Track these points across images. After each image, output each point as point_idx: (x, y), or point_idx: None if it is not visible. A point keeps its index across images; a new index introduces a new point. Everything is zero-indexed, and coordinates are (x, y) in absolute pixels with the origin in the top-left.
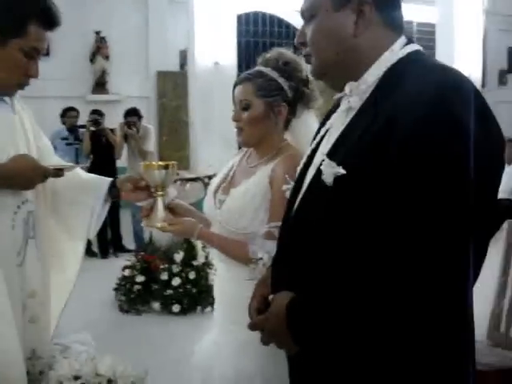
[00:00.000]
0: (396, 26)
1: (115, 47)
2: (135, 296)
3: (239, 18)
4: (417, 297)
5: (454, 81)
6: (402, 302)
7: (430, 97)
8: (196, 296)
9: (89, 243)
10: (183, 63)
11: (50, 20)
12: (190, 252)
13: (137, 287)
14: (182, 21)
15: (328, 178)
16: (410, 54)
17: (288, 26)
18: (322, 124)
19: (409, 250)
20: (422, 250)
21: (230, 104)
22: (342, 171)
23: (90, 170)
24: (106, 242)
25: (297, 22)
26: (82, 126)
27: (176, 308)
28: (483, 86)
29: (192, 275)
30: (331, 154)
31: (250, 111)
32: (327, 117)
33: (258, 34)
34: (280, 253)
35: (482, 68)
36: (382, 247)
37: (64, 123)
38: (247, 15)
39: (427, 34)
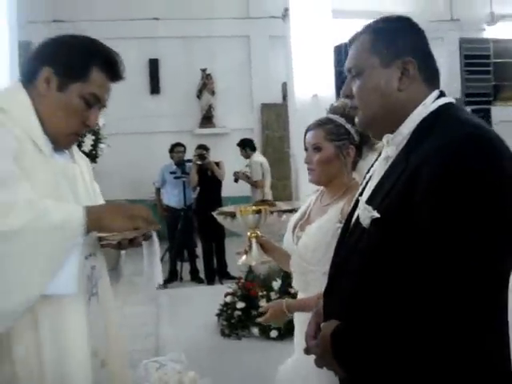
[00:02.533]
0: (432, 81)
1: (220, 83)
2: (236, 321)
3: (337, 48)
4: (451, 327)
5: (475, 134)
6: (439, 334)
7: (449, 149)
8: (293, 322)
9: (196, 271)
10: (285, 95)
11: (114, 69)
12: (287, 280)
13: (237, 313)
14: (283, 54)
15: (365, 220)
16: (440, 108)
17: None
18: (368, 171)
19: (442, 287)
20: (456, 286)
21: None
22: (376, 215)
23: (197, 201)
24: (212, 270)
25: None
26: (189, 161)
27: (274, 333)
28: None
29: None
30: (370, 200)
31: (320, 153)
32: (372, 164)
33: None
34: (329, 285)
35: None
36: (417, 281)
37: (172, 158)
38: (345, 46)
39: None
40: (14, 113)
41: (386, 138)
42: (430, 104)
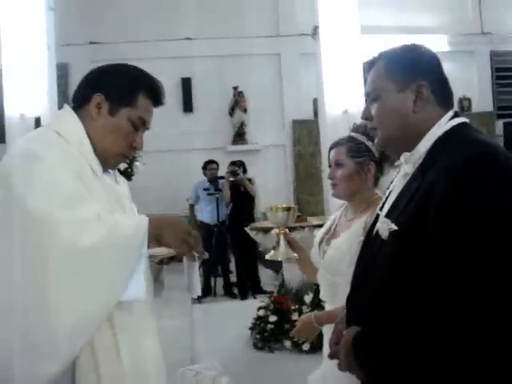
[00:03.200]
0: (446, 103)
1: (252, 100)
2: (268, 334)
3: (365, 65)
4: (464, 334)
5: (487, 153)
6: (454, 340)
7: (459, 167)
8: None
9: (230, 286)
10: (316, 111)
11: (158, 95)
12: (319, 293)
13: (270, 326)
14: (314, 70)
15: (383, 232)
16: (454, 128)
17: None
18: (388, 187)
19: (453, 296)
20: (468, 296)
21: None
22: (394, 227)
23: (230, 217)
24: (246, 285)
25: None
26: (222, 177)
27: (306, 346)
28: None
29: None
30: (388, 214)
31: (342, 170)
32: (392, 181)
33: None
34: (351, 293)
35: None
36: (431, 290)
37: (205, 175)
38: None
39: None
40: (68, 136)
41: (404, 156)
42: (444, 124)
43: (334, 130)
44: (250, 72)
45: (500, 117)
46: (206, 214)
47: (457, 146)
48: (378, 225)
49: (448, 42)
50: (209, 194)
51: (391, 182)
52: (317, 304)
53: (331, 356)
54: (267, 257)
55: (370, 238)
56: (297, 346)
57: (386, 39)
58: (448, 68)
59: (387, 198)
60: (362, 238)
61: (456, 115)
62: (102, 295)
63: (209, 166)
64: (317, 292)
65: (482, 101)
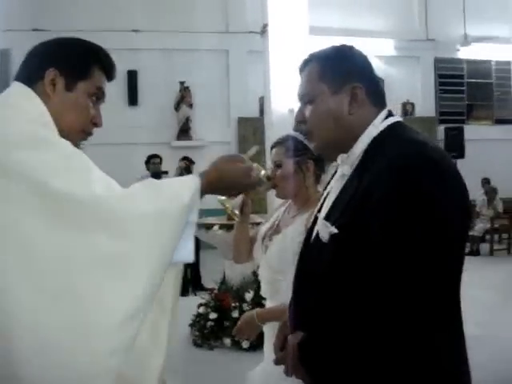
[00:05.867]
0: (379, 103)
1: (198, 96)
2: (208, 332)
3: None
4: (403, 330)
5: (421, 152)
6: (393, 338)
7: (395, 168)
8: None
9: None
10: (262, 109)
11: (111, 67)
12: (260, 291)
13: (210, 323)
14: (261, 68)
15: (324, 236)
16: (389, 127)
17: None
18: (325, 188)
19: (396, 293)
20: (406, 291)
21: None
22: (334, 230)
23: None
24: (186, 281)
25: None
26: (165, 172)
27: (246, 344)
28: None
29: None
30: (328, 216)
31: (282, 170)
32: (329, 182)
33: None
34: (294, 298)
35: None
36: (371, 291)
37: (148, 169)
38: None
39: (506, 73)
40: (33, 114)
41: (341, 157)
42: (379, 124)
43: (279, 129)
44: (198, 67)
45: (442, 122)
46: None
47: (392, 146)
48: (318, 227)
49: (394, 46)
50: None
51: (328, 183)
52: (257, 302)
53: (277, 362)
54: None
55: (310, 240)
56: (236, 344)
57: (333, 41)
58: (393, 72)
59: (325, 199)
60: (300, 240)
61: (390, 114)
62: (165, 255)
63: (152, 160)
64: (257, 290)
65: (425, 106)
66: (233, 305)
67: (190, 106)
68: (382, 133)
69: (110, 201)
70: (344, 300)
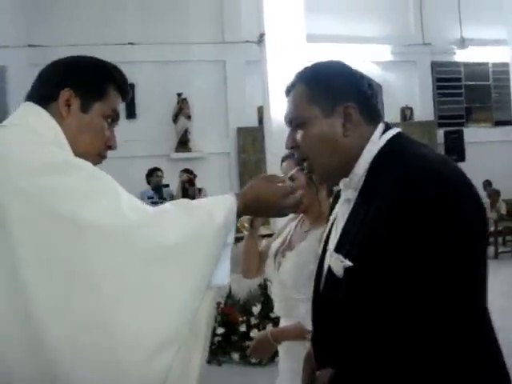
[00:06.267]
0: (374, 118)
1: (196, 107)
2: (216, 347)
3: None
4: (441, 352)
5: (429, 169)
6: (428, 361)
7: (403, 188)
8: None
9: None
10: (261, 118)
11: (126, 87)
12: (267, 304)
13: (217, 339)
14: (259, 78)
15: (338, 270)
16: (389, 142)
17: (362, 76)
18: (329, 214)
19: (429, 315)
20: (439, 323)
21: None
22: (348, 263)
23: None
24: None
25: (369, 71)
26: (166, 186)
27: (254, 359)
28: None
29: (269, 327)
30: (338, 247)
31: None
32: (333, 207)
33: None
34: (316, 333)
35: None
36: (402, 317)
37: (149, 183)
38: None
39: (503, 74)
40: (47, 136)
41: (343, 182)
42: (377, 140)
43: (279, 139)
44: (195, 79)
45: (441, 125)
46: None
47: (397, 164)
48: (331, 263)
49: (391, 51)
50: (153, 203)
51: (332, 208)
52: (265, 316)
53: None
54: None
55: (322, 271)
56: (245, 359)
57: (331, 47)
58: (391, 77)
59: (332, 226)
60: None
61: (387, 127)
62: (199, 283)
63: (154, 173)
64: (264, 303)
65: (424, 110)
66: (240, 319)
67: (189, 117)
68: (382, 149)
69: (142, 227)
70: (371, 331)
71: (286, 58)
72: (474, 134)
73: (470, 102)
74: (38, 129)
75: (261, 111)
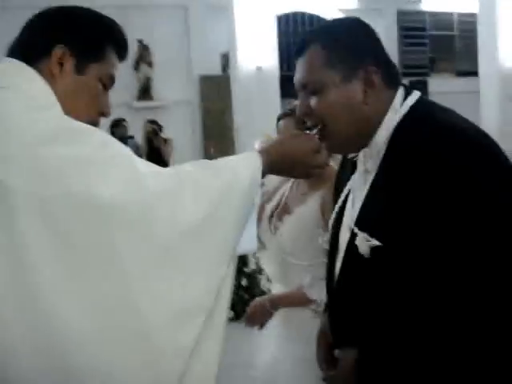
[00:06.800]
0: (394, 81)
1: (158, 54)
2: None
3: (279, 18)
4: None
5: (463, 140)
6: (470, 352)
7: (434, 158)
8: (248, 302)
9: None
10: (225, 66)
11: (123, 47)
12: (242, 259)
13: None
14: (222, 24)
15: (364, 250)
16: (411, 109)
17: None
18: (342, 185)
19: (473, 300)
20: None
21: (273, 106)
22: (376, 243)
23: None
24: None
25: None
26: (131, 137)
27: (229, 314)
28: None
29: (244, 282)
30: (360, 223)
31: None
32: (348, 177)
33: (298, 35)
34: (333, 310)
35: None
36: (432, 302)
37: (113, 133)
38: (286, 16)
39: (469, 25)
40: (42, 100)
41: (364, 152)
42: (398, 107)
43: (246, 88)
44: (156, 24)
45: (405, 75)
46: None
47: (423, 137)
48: (357, 240)
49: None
50: None
51: (346, 179)
52: (239, 270)
53: (325, 380)
54: None
55: (336, 244)
56: None
57: None
58: None
59: (346, 196)
60: (324, 239)
61: (407, 91)
62: (230, 248)
63: (118, 124)
64: (239, 258)
65: None
66: None
67: (150, 65)
68: (405, 117)
69: (164, 197)
70: (400, 312)
71: (254, 3)
72: (437, 84)
73: (435, 52)
74: (30, 91)
75: (225, 58)
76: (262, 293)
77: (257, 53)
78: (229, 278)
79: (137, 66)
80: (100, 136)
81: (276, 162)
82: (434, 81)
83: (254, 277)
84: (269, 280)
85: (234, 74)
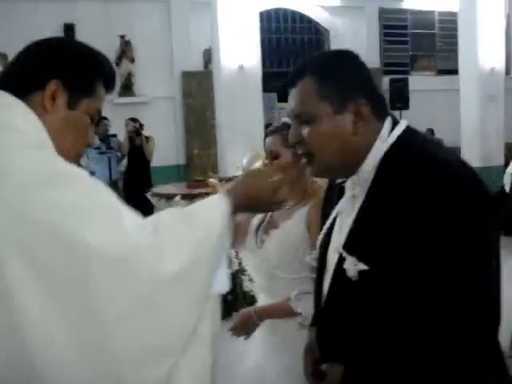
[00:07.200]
0: (382, 113)
1: (140, 50)
2: None
3: (261, 15)
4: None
5: (436, 168)
6: (449, 361)
7: (418, 185)
8: (231, 302)
9: None
10: (207, 62)
11: (112, 82)
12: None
13: None
14: (204, 20)
15: (353, 274)
16: (399, 139)
17: (310, 21)
18: (328, 207)
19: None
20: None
21: (255, 104)
22: (363, 267)
23: (125, 178)
24: None
25: (317, 16)
26: (114, 135)
27: None
28: (507, 73)
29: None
30: (349, 247)
31: (279, 160)
32: (335, 201)
33: (280, 31)
34: (321, 326)
35: (505, 55)
36: (417, 323)
37: (95, 132)
38: (268, 12)
39: (449, 23)
40: (30, 135)
41: (351, 180)
42: (386, 137)
43: (228, 85)
44: (137, 19)
45: (386, 73)
46: (97, 173)
47: (408, 166)
48: (345, 264)
49: None
50: (100, 153)
51: (332, 202)
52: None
53: None
54: None
55: (324, 264)
56: None
57: None
58: (338, 23)
59: (334, 220)
60: (311, 257)
61: (394, 121)
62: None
63: (100, 122)
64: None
65: (370, 57)
66: None
67: (132, 60)
68: (392, 147)
69: (144, 251)
70: (386, 331)
71: (238, 0)
72: (418, 82)
73: (416, 50)
74: (20, 127)
75: (206, 54)
76: (245, 294)
77: (239, 50)
78: (206, 319)
79: (118, 62)
80: (88, 182)
81: (242, 204)
82: (414, 78)
83: (236, 277)
84: (250, 280)
85: (217, 72)
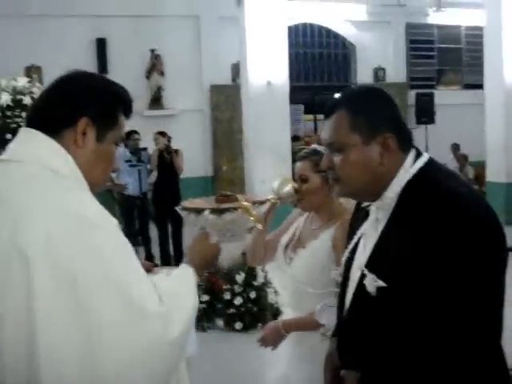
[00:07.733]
0: (407, 146)
1: (170, 63)
2: (200, 314)
3: (289, 29)
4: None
5: (454, 201)
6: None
7: (435, 216)
8: (257, 314)
9: (151, 256)
10: (235, 76)
11: (130, 108)
12: (251, 273)
13: (202, 306)
14: (233, 34)
15: (372, 289)
16: (420, 171)
17: (337, 35)
18: (354, 228)
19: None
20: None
21: (283, 119)
22: (382, 284)
23: (154, 190)
24: (168, 255)
25: (344, 31)
26: (144, 149)
27: (238, 325)
28: None
29: (253, 295)
30: (370, 265)
31: (308, 184)
32: (359, 223)
33: (307, 45)
34: (342, 337)
35: None
36: (430, 337)
37: (126, 145)
38: (296, 27)
39: (476, 38)
40: (63, 172)
41: (375, 205)
42: (409, 168)
43: (256, 101)
44: (168, 34)
45: (413, 87)
46: (128, 185)
47: (428, 197)
48: (365, 281)
49: (366, 11)
50: (131, 166)
51: (357, 224)
52: (248, 283)
53: None
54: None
55: (347, 279)
56: (229, 325)
57: (308, 5)
58: (365, 38)
59: (358, 241)
60: (336, 273)
61: (418, 153)
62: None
63: (131, 136)
64: (248, 271)
65: (396, 71)
66: (224, 287)
67: (162, 74)
68: (414, 177)
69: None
70: (402, 343)
71: (265, 14)
72: (444, 97)
73: (442, 65)
74: (53, 165)
75: (235, 68)
76: (270, 305)
77: (267, 65)
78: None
79: (148, 75)
80: (111, 229)
81: (196, 272)
82: (440, 93)
83: (262, 290)
84: (276, 293)
85: (244, 87)
